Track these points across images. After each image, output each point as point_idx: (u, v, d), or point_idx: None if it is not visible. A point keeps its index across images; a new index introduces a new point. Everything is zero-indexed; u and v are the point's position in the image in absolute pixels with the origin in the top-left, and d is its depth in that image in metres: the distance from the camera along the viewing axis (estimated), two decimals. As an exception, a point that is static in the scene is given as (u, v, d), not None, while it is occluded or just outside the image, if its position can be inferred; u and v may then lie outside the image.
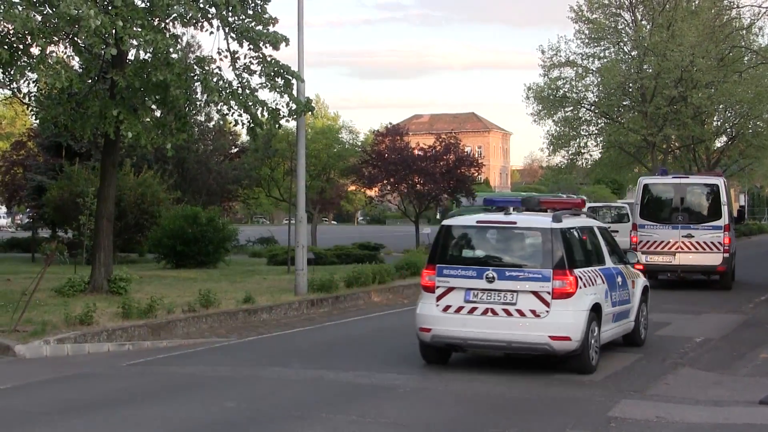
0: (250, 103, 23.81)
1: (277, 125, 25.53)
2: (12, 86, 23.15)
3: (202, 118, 52.23)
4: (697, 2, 53.72)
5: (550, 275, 14.64)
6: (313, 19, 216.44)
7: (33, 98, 24.43)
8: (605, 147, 59.37)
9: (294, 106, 24.74)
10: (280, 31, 23.91)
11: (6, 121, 76.46)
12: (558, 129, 57.87)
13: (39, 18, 20.12)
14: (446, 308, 15.17)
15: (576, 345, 14.59)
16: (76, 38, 21.89)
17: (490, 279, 14.88)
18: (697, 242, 28.37)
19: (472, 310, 14.98)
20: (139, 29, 20.88)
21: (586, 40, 57.04)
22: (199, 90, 24.20)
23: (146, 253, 40.38)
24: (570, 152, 59.16)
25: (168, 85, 21.75)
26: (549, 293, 14.62)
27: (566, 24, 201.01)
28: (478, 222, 15.86)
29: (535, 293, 14.67)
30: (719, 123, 62.50)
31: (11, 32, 20.71)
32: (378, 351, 17.59)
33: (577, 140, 58.74)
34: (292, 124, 31.97)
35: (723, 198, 28.99)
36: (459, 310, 15.07)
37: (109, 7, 20.97)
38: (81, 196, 31.94)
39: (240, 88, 23.94)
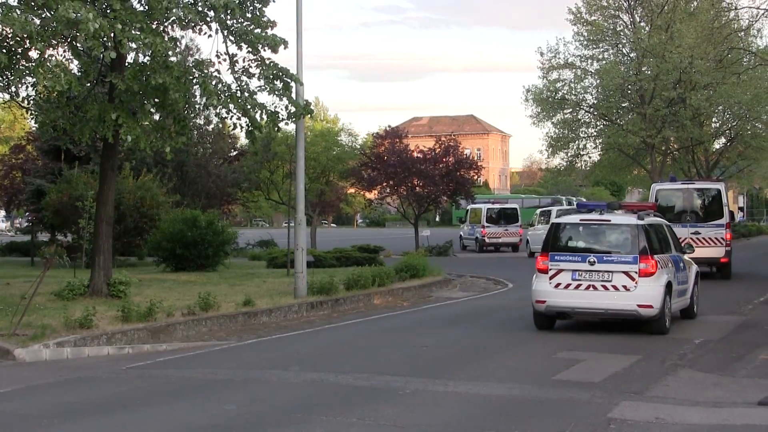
0: (249, 106, 23.82)
1: (276, 128, 25.54)
2: (11, 90, 23.16)
3: (201, 122, 52.30)
4: (695, 4, 53.73)
5: (637, 259, 19.47)
6: (312, 22, 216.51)
7: (32, 102, 24.45)
8: (604, 149, 59.41)
9: (293, 109, 24.76)
10: (278, 35, 23.95)
11: (5, 125, 76.50)
12: (557, 131, 57.94)
13: (37, 21, 20.12)
14: (557, 285, 19.91)
15: (656, 312, 19.39)
16: (74, 42, 21.91)
17: (591, 262, 19.71)
18: (704, 238, 32.53)
19: (577, 286, 19.77)
20: (138, 32, 20.90)
21: (585, 42, 57.09)
22: (198, 93, 24.23)
23: (146, 256, 40.43)
24: (569, 154, 59.22)
25: (167, 89, 21.76)
26: (636, 273, 19.42)
27: (564, 26, 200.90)
28: (581, 220, 20.66)
29: (626, 273, 19.47)
30: (718, 124, 62.50)
31: (10, 36, 20.71)
32: (377, 353, 17.60)
33: (576, 142, 58.80)
34: (291, 127, 31.96)
35: (724, 200, 33.56)
36: (567, 286, 19.83)
37: (108, 11, 20.98)
38: (80, 199, 31.95)
39: (239, 91, 23.96)
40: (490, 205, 58.42)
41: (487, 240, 56.53)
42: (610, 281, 19.51)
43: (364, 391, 13.73)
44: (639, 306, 19.31)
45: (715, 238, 32.63)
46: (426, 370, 15.60)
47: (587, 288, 19.67)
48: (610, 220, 20.33)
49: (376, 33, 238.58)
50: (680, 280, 21.14)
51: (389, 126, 56.72)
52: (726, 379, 14.84)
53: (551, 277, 19.98)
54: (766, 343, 18.57)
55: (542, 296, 20.04)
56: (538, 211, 56.64)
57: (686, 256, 22.58)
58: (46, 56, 20.72)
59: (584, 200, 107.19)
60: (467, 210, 59.90)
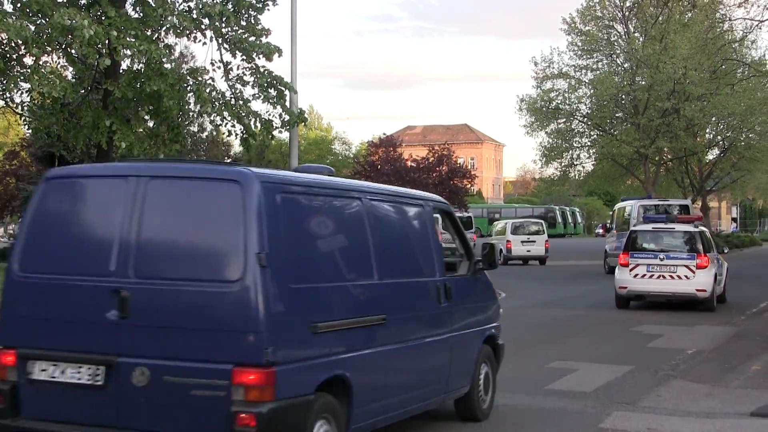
0: (243, 114, 23.86)
1: (270, 136, 25.57)
2: (5, 96, 23.16)
3: (195, 129, 52.30)
4: (689, 15, 53.88)
5: (695, 256, 26.17)
6: (306, 31, 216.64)
7: (26, 108, 24.46)
8: (598, 159, 59.50)
9: (287, 117, 24.78)
10: (273, 43, 23.98)
11: (-1, 131, 76.41)
12: (551, 141, 58.03)
13: (32, 28, 20.13)
14: (635, 275, 26.54)
15: (708, 294, 26.16)
16: (69, 48, 21.93)
17: (661, 259, 26.42)
18: None
19: (650, 276, 26.42)
20: (133, 39, 20.94)
21: (579, 52, 57.26)
22: (192, 100, 24.24)
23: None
24: (563, 164, 59.30)
25: (161, 96, 21.79)
26: (694, 266, 26.06)
27: (557, 36, 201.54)
28: (653, 228, 27.52)
29: (687, 266, 26.12)
30: (711, 135, 62.66)
31: (5, 42, 20.73)
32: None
33: (570, 152, 58.88)
34: (285, 135, 31.96)
35: (691, 212, 39.63)
36: (643, 276, 26.48)
37: (103, 18, 21.03)
38: (74, 206, 31.86)
39: (233, 99, 24.00)
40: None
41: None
42: (675, 272, 26.19)
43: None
44: (696, 290, 26.09)
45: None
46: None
47: (658, 277, 26.37)
48: (674, 228, 27.43)
49: (370, 42, 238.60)
50: (720, 272, 27.85)
51: (384, 134, 56.85)
52: (718, 389, 14.83)
53: (631, 270, 26.63)
54: (758, 353, 18.57)
55: (624, 284, 26.87)
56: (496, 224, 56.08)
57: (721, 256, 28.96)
58: (41, 62, 20.74)
59: (578, 210, 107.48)
60: (613, 211, 58.10)
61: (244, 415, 7.82)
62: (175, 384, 8.02)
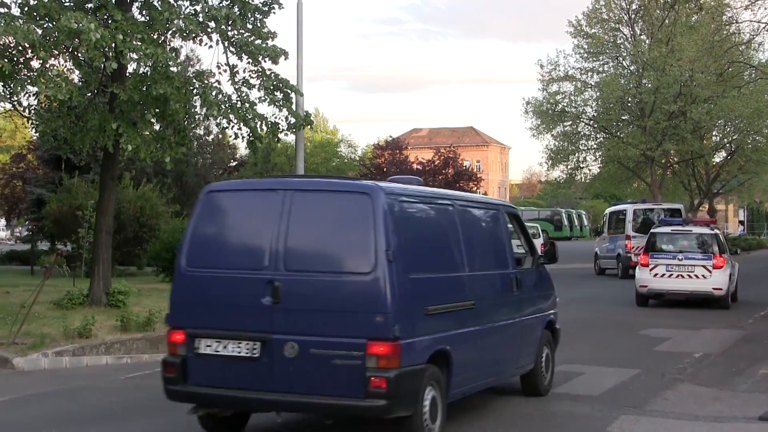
0: (249, 117, 23.82)
1: (276, 139, 25.55)
2: (12, 99, 23.17)
3: (201, 132, 52.35)
4: (696, 17, 53.73)
5: (711, 257, 28.34)
6: (311, 34, 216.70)
7: (33, 111, 24.46)
8: (604, 162, 59.39)
9: (293, 120, 24.76)
10: (279, 46, 23.97)
11: (6, 134, 76.51)
12: (557, 143, 57.95)
13: (39, 31, 20.14)
14: (655, 275, 28.65)
15: (724, 293, 28.29)
16: (76, 52, 21.92)
17: (680, 259, 28.49)
18: None
19: (669, 276, 28.52)
20: (139, 43, 20.92)
21: (585, 55, 57.19)
22: (198, 103, 24.23)
23: (145, 266, 40.38)
24: (569, 167, 59.22)
25: (167, 99, 21.76)
26: (711, 266, 28.17)
27: (563, 39, 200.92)
28: (672, 230, 29.72)
29: (704, 266, 28.20)
30: (718, 138, 62.58)
31: (12, 45, 20.74)
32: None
33: (576, 155, 58.79)
34: (290, 138, 31.96)
35: (683, 215, 40.75)
36: (662, 276, 28.58)
37: (109, 21, 21.01)
38: (80, 209, 31.94)
39: (239, 102, 23.98)
40: None
41: None
42: (693, 272, 28.27)
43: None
44: (713, 289, 28.20)
45: None
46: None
47: (677, 277, 28.45)
48: (692, 230, 29.70)
49: (375, 44, 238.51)
50: (733, 272, 29.61)
51: (390, 136, 56.83)
52: (726, 393, 14.82)
53: (651, 270, 28.75)
54: (766, 357, 18.56)
55: (645, 282, 28.93)
56: None
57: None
58: (48, 66, 20.75)
59: (584, 212, 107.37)
60: (604, 216, 58.20)
61: (375, 379, 9.92)
62: (320, 355, 10.13)
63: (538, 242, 49.91)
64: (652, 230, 30.84)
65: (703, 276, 28.08)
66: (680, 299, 29.07)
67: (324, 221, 10.74)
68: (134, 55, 21.23)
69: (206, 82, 23.37)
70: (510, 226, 14.47)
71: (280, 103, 24.47)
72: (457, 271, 11.88)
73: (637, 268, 29.59)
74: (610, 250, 45.57)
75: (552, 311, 15.01)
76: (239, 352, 10.51)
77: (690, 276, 28.23)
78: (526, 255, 14.51)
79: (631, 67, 56.17)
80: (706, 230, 29.49)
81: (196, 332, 10.82)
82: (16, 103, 23.68)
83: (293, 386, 10.31)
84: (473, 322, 11.94)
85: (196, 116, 25.36)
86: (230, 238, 11.31)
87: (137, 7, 23.71)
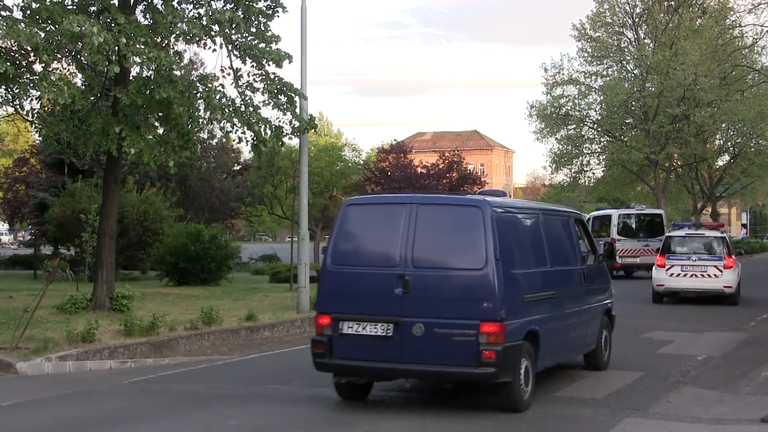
0: (253, 121, 23.83)
1: (280, 143, 25.56)
2: (15, 103, 23.17)
3: (205, 136, 52.38)
4: (699, 21, 53.78)
5: (723, 258, 30.87)
6: (315, 37, 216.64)
7: (36, 115, 24.46)
8: (608, 165, 59.45)
9: (297, 124, 24.77)
10: (282, 49, 23.97)
11: (9, 138, 76.55)
12: (561, 147, 58.00)
13: (42, 35, 20.14)
14: (671, 275, 31.09)
15: (734, 290, 30.84)
16: (79, 55, 21.94)
17: (693, 260, 30.98)
18: (651, 249, 42.13)
19: (684, 275, 30.98)
20: (143, 47, 20.93)
21: (589, 59, 57.25)
22: (201, 107, 24.22)
23: (148, 270, 40.44)
24: (573, 170, 59.30)
25: (171, 103, 21.78)
26: (722, 266, 30.72)
27: (567, 44, 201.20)
28: (686, 234, 32.56)
29: (716, 266, 30.78)
30: (721, 141, 62.60)
31: (15, 48, 20.73)
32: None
33: (580, 158, 58.86)
34: (294, 142, 31.97)
35: (664, 221, 45.74)
36: (678, 275, 31.05)
37: (113, 25, 21.04)
38: (83, 213, 31.99)
39: (243, 106, 23.97)
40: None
41: None
42: (706, 272, 30.79)
43: (367, 406, 13.71)
44: (724, 287, 30.69)
45: (657, 248, 37.22)
46: (429, 385, 15.59)
47: (691, 276, 30.95)
48: (704, 234, 32.55)
49: (379, 48, 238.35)
50: (739, 272, 32.02)
51: (395, 140, 56.78)
52: (729, 396, 14.81)
53: (667, 270, 31.17)
54: (769, 360, 18.53)
55: (661, 282, 31.32)
56: None
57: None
58: (51, 69, 20.75)
59: (586, 215, 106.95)
60: (587, 221, 58.42)
61: (487, 351, 12.60)
62: (442, 333, 12.83)
63: None
64: (667, 234, 33.92)
65: (715, 275, 30.61)
66: (693, 296, 31.48)
67: (443, 228, 13.49)
68: (137, 59, 21.21)
69: (210, 85, 23.37)
70: (577, 230, 17.16)
71: (284, 106, 24.48)
72: (543, 267, 14.67)
73: (654, 268, 31.83)
74: None
75: (609, 300, 17.91)
76: (375, 332, 13.18)
77: (703, 275, 30.76)
78: (589, 253, 17.25)
79: (635, 71, 56.21)
80: (716, 233, 32.30)
81: (339, 316, 13.43)
82: (18, 106, 23.67)
83: (420, 358, 12.97)
84: (554, 308, 14.73)
85: (200, 120, 25.32)
86: (366, 242, 14.07)
87: (140, 11, 23.73)
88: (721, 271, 30.67)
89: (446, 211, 13.70)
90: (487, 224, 13.04)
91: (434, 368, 13.03)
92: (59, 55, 21.38)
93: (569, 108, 56.53)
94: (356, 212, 14.29)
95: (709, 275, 30.73)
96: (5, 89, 21.90)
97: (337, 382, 14.11)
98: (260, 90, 24.26)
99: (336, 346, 13.44)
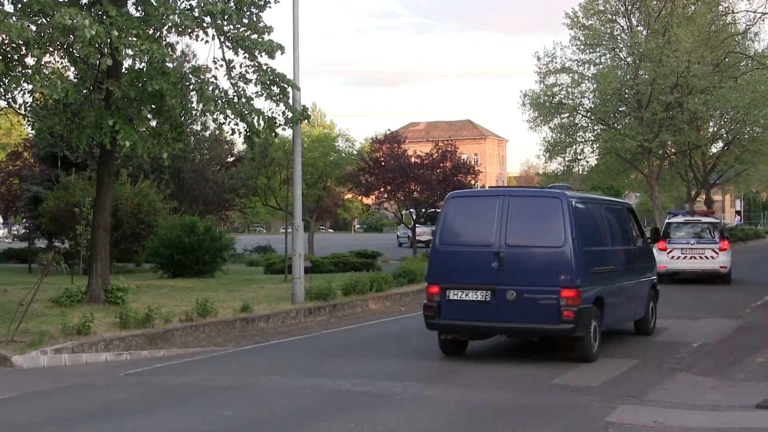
0: (246, 112, 23.81)
1: (273, 134, 25.54)
2: (8, 97, 23.12)
3: (198, 128, 52.26)
4: (692, 8, 53.71)
5: (718, 241, 34.31)
6: (307, 28, 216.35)
7: (29, 109, 24.43)
8: (601, 153, 59.38)
9: (290, 115, 24.74)
10: (275, 40, 23.94)
11: (2, 132, 76.45)
12: (554, 135, 57.88)
13: (34, 28, 20.10)
14: (672, 257, 34.47)
15: (728, 270, 34.41)
16: (71, 48, 21.88)
17: (692, 243, 34.54)
18: None
19: (684, 258, 34.56)
20: (135, 39, 20.89)
21: (582, 47, 57.08)
22: (194, 99, 24.20)
23: (143, 262, 40.41)
24: (566, 159, 59.18)
25: (164, 95, 21.75)
26: (718, 249, 34.24)
27: (560, 31, 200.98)
28: (684, 220, 35.70)
29: (712, 249, 34.32)
30: (715, 129, 62.57)
31: (6, 42, 20.68)
32: (375, 359, 17.58)
33: (574, 146, 58.76)
34: (288, 133, 31.97)
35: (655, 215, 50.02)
36: (678, 258, 34.59)
37: (104, 17, 20.99)
38: (77, 206, 31.97)
39: (236, 97, 23.95)
40: None
41: None
42: (703, 254, 34.49)
43: (361, 397, 13.72)
44: (720, 267, 34.39)
45: None
46: (424, 375, 15.63)
47: (690, 258, 34.63)
48: (700, 220, 35.90)
49: (372, 39, 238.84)
50: (730, 254, 35.23)
51: (389, 130, 56.70)
52: (724, 382, 14.84)
53: (668, 253, 34.49)
54: (763, 346, 18.58)
55: (663, 264, 32.84)
56: None
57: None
58: (43, 63, 20.70)
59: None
60: None
61: (566, 312, 15.93)
62: (530, 298, 16.21)
63: None
64: (667, 221, 37.06)
65: (711, 257, 34.51)
66: (692, 276, 35.15)
67: (529, 215, 16.88)
68: (130, 51, 21.18)
69: (203, 77, 23.33)
70: (629, 217, 20.46)
71: (277, 97, 24.46)
72: (606, 246, 18.11)
73: (655, 251, 32.21)
74: None
75: (654, 276, 21.40)
76: (476, 298, 16.57)
77: (701, 257, 34.62)
78: (638, 236, 20.70)
79: (628, 59, 56.10)
80: (711, 219, 36.32)
81: (446, 286, 16.87)
82: (11, 100, 23.62)
83: (513, 318, 16.33)
84: (614, 280, 18.09)
85: (193, 112, 25.30)
86: (467, 226, 17.43)
87: (132, 3, 23.70)
88: (717, 253, 34.50)
89: (532, 201, 17.24)
90: (565, 211, 16.36)
91: (524, 325, 16.49)
92: (51, 49, 21.32)
93: (562, 96, 56.41)
94: (458, 202, 17.87)
95: (706, 257, 34.61)
96: (-2, 83, 21.85)
97: (444, 338, 17.59)
98: (253, 81, 24.23)
99: (444, 309, 16.85)
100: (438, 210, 50.41)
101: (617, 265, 18.43)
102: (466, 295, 16.61)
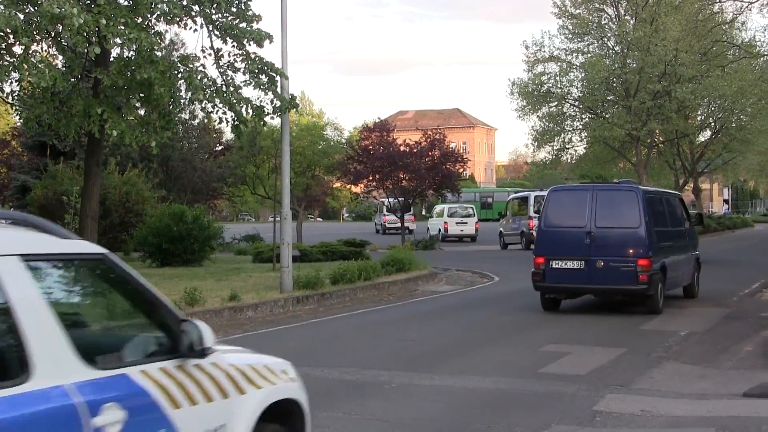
0: (234, 101, 23.82)
1: (261, 122, 25.55)
2: (-5, 86, 23.09)
3: (187, 116, 52.21)
4: (680, -3, 53.75)
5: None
6: (296, 17, 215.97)
7: (16, 97, 24.38)
8: (590, 142, 59.50)
9: (278, 103, 24.74)
10: (263, 29, 23.93)
11: (-11, 121, 76.20)
12: (542, 124, 57.98)
13: (21, 17, 20.06)
14: None
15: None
16: (59, 37, 21.87)
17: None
18: None
19: None
20: (123, 27, 20.88)
21: (570, 36, 57.13)
22: (183, 88, 24.18)
23: (131, 251, 40.36)
24: (555, 147, 59.29)
25: (152, 83, 21.74)
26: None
27: (548, 21, 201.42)
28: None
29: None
30: (703, 117, 62.73)
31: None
32: (364, 348, 17.60)
33: (562, 135, 58.83)
34: (276, 122, 31.89)
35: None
36: None
37: (92, 6, 20.97)
38: (65, 195, 31.91)
39: (224, 86, 23.96)
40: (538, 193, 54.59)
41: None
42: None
43: (350, 386, 13.74)
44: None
45: None
46: (412, 364, 15.63)
47: None
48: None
49: (360, 27, 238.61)
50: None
51: (378, 118, 56.66)
52: (711, 371, 14.88)
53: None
54: (750, 334, 18.64)
55: None
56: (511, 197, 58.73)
57: None
58: (31, 51, 20.67)
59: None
60: (508, 201, 58.37)
61: (641, 276, 20.90)
62: (614, 266, 21.16)
63: (473, 220, 63.19)
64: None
65: None
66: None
67: (613, 203, 21.88)
68: (118, 40, 21.16)
69: (191, 66, 23.32)
70: (680, 204, 26.08)
71: (265, 86, 24.46)
72: (666, 228, 23.13)
73: None
74: (515, 229, 52.44)
75: (697, 252, 26.38)
76: (573, 266, 21.56)
77: None
78: (686, 219, 25.93)
79: (616, 48, 56.20)
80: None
81: (549, 257, 21.81)
82: (-1, 89, 23.58)
83: (601, 281, 21.43)
84: (672, 253, 23.08)
85: (181, 101, 25.30)
86: (566, 211, 22.30)
87: (120, -8, 23.66)
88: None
89: (614, 193, 22.27)
90: (640, 200, 21.41)
91: (609, 286, 21.61)
92: (39, 37, 21.30)
93: (551, 85, 56.46)
94: (558, 194, 23.07)
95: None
96: (-16, 72, 21.79)
97: (546, 297, 22.43)
98: (241, 70, 24.25)
99: (547, 275, 21.78)
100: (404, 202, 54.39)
101: (674, 242, 23.56)
102: (565, 264, 21.56)
